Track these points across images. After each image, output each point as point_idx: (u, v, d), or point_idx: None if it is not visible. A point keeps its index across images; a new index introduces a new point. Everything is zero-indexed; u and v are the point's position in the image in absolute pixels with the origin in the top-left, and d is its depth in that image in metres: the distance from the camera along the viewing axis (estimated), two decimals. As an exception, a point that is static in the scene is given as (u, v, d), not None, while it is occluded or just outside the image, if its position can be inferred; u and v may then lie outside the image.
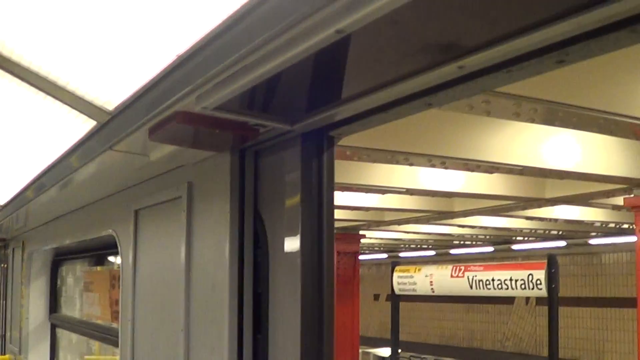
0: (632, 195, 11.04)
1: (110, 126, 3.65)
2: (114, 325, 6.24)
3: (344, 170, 10.10)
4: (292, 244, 3.33)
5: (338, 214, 15.44)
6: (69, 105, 3.67)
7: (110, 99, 3.37)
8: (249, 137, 3.29)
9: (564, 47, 2.10)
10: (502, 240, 25.09)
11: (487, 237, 23.33)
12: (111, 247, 5.57)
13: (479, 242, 26.70)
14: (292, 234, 3.32)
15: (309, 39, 2.15)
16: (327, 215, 3.23)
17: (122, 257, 5.19)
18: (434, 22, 2.13)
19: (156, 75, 2.85)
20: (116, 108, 3.39)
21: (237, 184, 3.58)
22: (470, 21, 2.10)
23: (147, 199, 4.69)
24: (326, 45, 2.18)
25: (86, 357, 8.90)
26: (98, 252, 7.47)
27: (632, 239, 13.80)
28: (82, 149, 4.31)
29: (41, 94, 3.72)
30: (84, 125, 3.88)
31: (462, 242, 27.02)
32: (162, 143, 3.56)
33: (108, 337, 6.50)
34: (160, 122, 3.19)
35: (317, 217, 3.23)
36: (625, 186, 10.84)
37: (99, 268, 7.85)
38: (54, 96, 3.69)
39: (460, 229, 20.36)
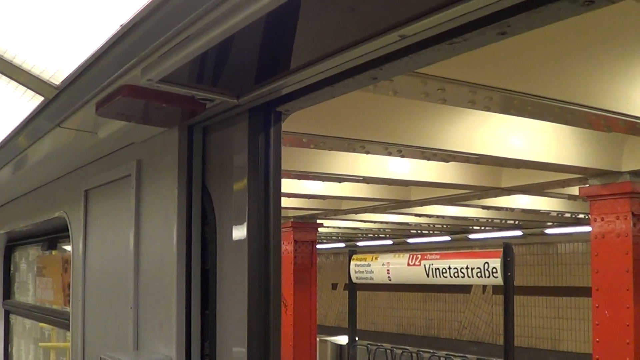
0: (587, 185, 11.10)
1: (58, 102, 3.62)
2: (67, 309, 6.21)
3: (300, 158, 10.08)
4: (239, 220, 3.33)
5: (295, 202, 15.45)
6: (15, 80, 3.63)
7: (57, 72, 3.33)
8: (197, 111, 3.28)
9: (506, 17, 2.11)
10: (459, 229, 25.18)
11: (444, 226, 23.40)
12: (63, 230, 5.53)
13: (436, 232, 26.78)
14: (239, 210, 3.33)
15: (252, 5, 2.15)
16: (273, 188, 3.23)
17: (72, 238, 5.16)
18: None
19: (101, 47, 2.82)
20: (63, 82, 3.36)
21: (185, 161, 3.58)
22: None
23: (97, 179, 4.67)
24: (269, 14, 2.18)
25: (40, 343, 8.84)
26: (50, 236, 7.41)
27: (587, 229, 13.92)
28: (30, 127, 4.27)
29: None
30: (32, 102, 3.83)
31: (419, 232, 27.09)
32: (110, 118, 3.53)
33: (61, 320, 6.47)
34: (107, 96, 3.17)
35: (264, 193, 3.23)
36: (580, 176, 10.90)
37: (52, 252, 7.79)
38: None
39: (418, 218, 20.42)
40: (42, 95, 3.66)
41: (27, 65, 3.43)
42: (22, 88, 3.68)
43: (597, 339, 10.79)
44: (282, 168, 3.30)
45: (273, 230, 3.23)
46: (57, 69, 3.32)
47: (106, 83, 3.04)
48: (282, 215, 3.32)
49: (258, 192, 3.22)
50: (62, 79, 3.32)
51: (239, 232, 3.33)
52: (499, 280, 12.35)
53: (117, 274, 4.28)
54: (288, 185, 12.57)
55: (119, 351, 4.02)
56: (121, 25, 2.60)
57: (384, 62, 2.50)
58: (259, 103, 3.15)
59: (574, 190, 12.30)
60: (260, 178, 3.22)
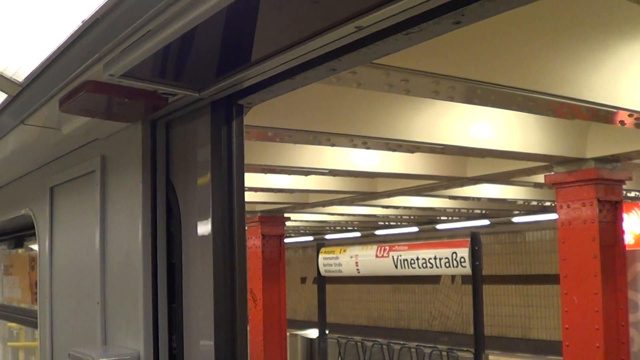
0: (552, 173, 11.20)
1: (21, 98, 3.62)
2: (35, 307, 6.20)
3: (266, 152, 10.11)
4: (203, 213, 3.35)
5: (262, 196, 15.46)
6: (-23, 77, 3.64)
7: (20, 69, 3.33)
8: (159, 106, 3.29)
9: (460, 7, 2.15)
10: (427, 220, 25.29)
11: (412, 217, 23.49)
12: (29, 228, 5.53)
13: (403, 223, 26.89)
14: (203, 204, 3.35)
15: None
16: (237, 181, 3.25)
17: (38, 235, 5.16)
18: None
19: (63, 43, 2.84)
20: (26, 79, 3.37)
21: (149, 156, 3.59)
22: None
23: (62, 175, 4.67)
24: (230, 7, 2.21)
25: (9, 343, 8.82)
26: (17, 234, 7.39)
27: (554, 216, 14.01)
28: None
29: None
30: (-5, 99, 3.84)
31: (387, 223, 27.20)
32: (73, 114, 3.54)
33: (30, 319, 6.46)
34: (70, 92, 3.18)
35: (228, 186, 3.25)
36: (545, 164, 11.00)
37: (19, 250, 7.77)
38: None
39: (385, 209, 20.49)
40: (6, 93, 3.66)
41: (-11, 63, 3.44)
42: (-16, 85, 3.68)
43: (567, 326, 10.89)
44: (248, 162, 3.33)
45: (237, 223, 3.25)
46: (20, 66, 3.33)
47: (69, 79, 3.05)
48: (249, 209, 3.35)
49: (221, 185, 3.24)
50: (25, 75, 3.33)
51: (204, 226, 3.36)
52: (467, 270, 12.43)
53: (83, 270, 4.29)
54: (254, 179, 12.60)
55: (87, 347, 4.03)
56: (83, 21, 2.61)
57: (343, 54, 2.53)
58: (221, 96, 3.17)
59: (540, 178, 12.40)
60: (223, 171, 3.24)
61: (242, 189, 3.27)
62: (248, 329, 3.39)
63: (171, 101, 3.27)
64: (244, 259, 3.28)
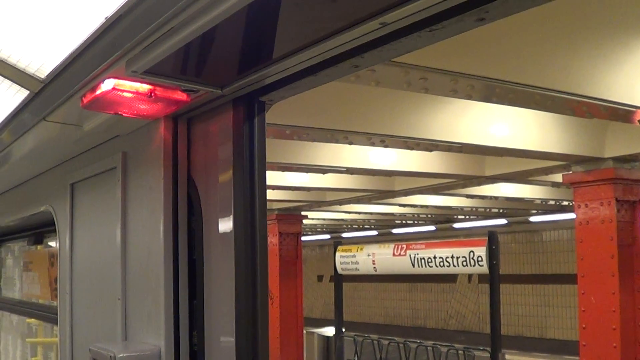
0: (570, 172, 11.16)
1: (43, 95, 3.65)
2: (55, 303, 6.23)
3: (284, 150, 10.11)
4: (225, 210, 3.36)
5: (279, 194, 15.47)
6: (0, 74, 3.65)
7: (42, 66, 3.35)
8: (181, 103, 3.30)
9: (484, 4, 2.15)
10: (444, 219, 25.21)
11: (429, 216, 23.45)
12: (49, 224, 5.55)
13: (420, 222, 26.83)
14: (225, 201, 3.36)
15: None
16: (259, 177, 3.26)
17: (59, 231, 5.18)
18: None
19: (86, 40, 2.86)
20: (48, 76, 3.39)
21: (170, 152, 3.61)
22: None
23: (83, 172, 4.69)
24: (252, 4, 2.22)
25: (28, 339, 8.85)
26: (37, 230, 7.43)
27: (571, 216, 13.94)
28: (16, 122, 4.30)
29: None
30: (17, 96, 3.86)
31: (404, 222, 27.14)
32: (95, 111, 3.55)
33: (49, 315, 6.48)
34: (92, 89, 3.20)
35: (250, 183, 3.26)
36: (563, 163, 10.96)
37: (38, 247, 7.80)
38: (-16, 66, 3.67)
39: (402, 208, 20.47)
40: (28, 89, 3.69)
41: (12, 60, 3.45)
42: (7, 82, 3.70)
43: (584, 326, 10.86)
44: (266, 160, 3.34)
45: (259, 220, 3.26)
46: (42, 63, 3.35)
47: (91, 76, 3.07)
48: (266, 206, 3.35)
49: (243, 182, 3.25)
50: (48, 72, 3.35)
51: (225, 223, 3.36)
52: (484, 268, 12.38)
53: (104, 267, 4.31)
54: (272, 177, 12.60)
55: (108, 343, 4.04)
56: (106, 18, 2.63)
57: (365, 50, 2.54)
58: (243, 93, 3.18)
59: (558, 178, 12.36)
60: (245, 168, 3.25)
61: (264, 186, 3.28)
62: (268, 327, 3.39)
63: (193, 98, 3.28)
64: (265, 257, 3.29)
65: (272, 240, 18.31)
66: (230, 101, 3.27)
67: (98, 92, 3.15)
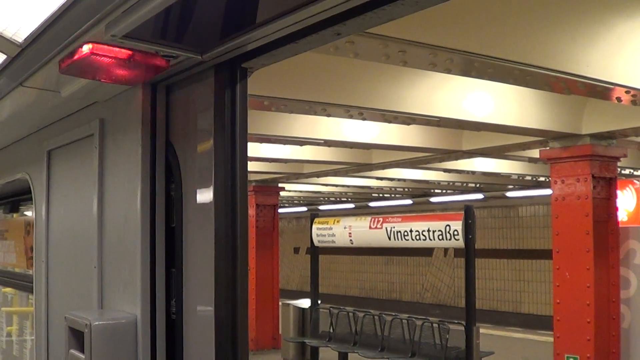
0: (547, 148, 11.22)
1: (21, 60, 3.59)
2: (30, 272, 6.19)
3: (262, 121, 10.10)
4: (205, 177, 3.34)
5: (256, 166, 15.45)
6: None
7: (20, 30, 3.30)
8: (160, 68, 3.26)
9: None
10: (421, 192, 25.32)
11: (406, 189, 23.55)
12: (26, 192, 5.51)
13: (397, 195, 26.93)
14: (205, 169, 3.33)
15: None
16: (240, 145, 3.24)
17: (35, 199, 5.14)
18: None
19: (64, 3, 2.81)
20: (26, 40, 3.33)
21: (149, 119, 3.57)
22: None
23: (60, 139, 4.65)
24: None
25: (3, 308, 8.80)
26: (12, 198, 7.37)
27: (548, 191, 13.95)
28: None
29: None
30: (-7, 60, 3.81)
31: (381, 195, 27.24)
32: (73, 76, 3.51)
33: (24, 283, 6.44)
34: (71, 53, 3.16)
35: (231, 151, 3.24)
36: (541, 139, 11.02)
37: (14, 215, 7.75)
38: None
39: (379, 181, 20.53)
40: (5, 54, 3.63)
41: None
42: (-17, 46, 3.65)
43: (558, 301, 10.95)
44: (247, 127, 3.31)
45: (240, 189, 3.24)
46: (19, 26, 3.29)
47: (70, 40, 3.03)
48: (245, 176, 3.33)
49: (225, 150, 3.22)
50: (25, 36, 3.30)
51: (205, 191, 3.34)
52: (460, 243, 12.38)
53: (80, 234, 4.28)
54: (249, 148, 12.57)
55: (84, 310, 4.02)
56: (85, -19, 2.60)
57: (348, 18, 2.51)
58: (224, 59, 3.15)
59: (535, 153, 12.43)
60: (226, 136, 3.22)
61: (245, 154, 3.26)
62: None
63: (173, 64, 3.25)
64: (245, 226, 3.27)
65: (249, 211, 18.32)
66: (211, 67, 3.24)
67: (76, 56, 3.11)
